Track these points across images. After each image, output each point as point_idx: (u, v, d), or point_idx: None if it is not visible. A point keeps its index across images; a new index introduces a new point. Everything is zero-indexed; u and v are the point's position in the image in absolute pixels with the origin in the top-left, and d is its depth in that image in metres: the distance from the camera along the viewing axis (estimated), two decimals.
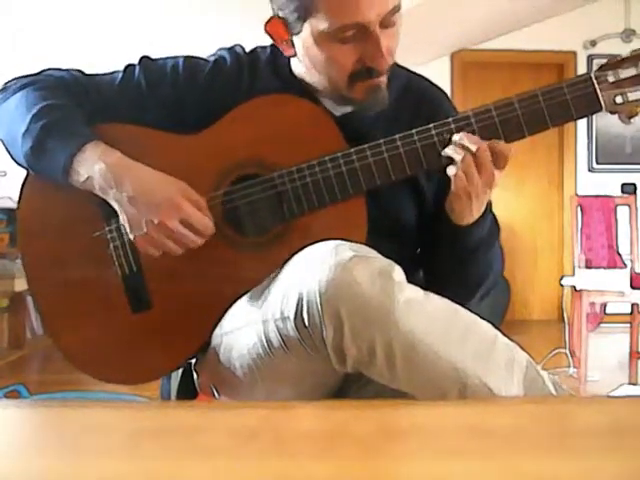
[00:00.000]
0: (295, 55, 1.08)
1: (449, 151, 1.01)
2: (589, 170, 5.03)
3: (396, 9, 1.01)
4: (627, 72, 1.01)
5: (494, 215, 1.11)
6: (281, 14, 1.04)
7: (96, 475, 0.37)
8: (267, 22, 1.07)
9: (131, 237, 1.03)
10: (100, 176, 1.02)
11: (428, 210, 1.14)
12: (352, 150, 1.03)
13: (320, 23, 1.00)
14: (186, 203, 1.00)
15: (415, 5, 3.44)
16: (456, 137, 1.00)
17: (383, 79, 1.05)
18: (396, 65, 1.14)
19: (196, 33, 3.62)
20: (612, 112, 1.02)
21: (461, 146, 1.00)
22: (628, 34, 4.86)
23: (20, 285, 3.57)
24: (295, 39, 1.06)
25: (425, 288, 0.91)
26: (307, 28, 1.02)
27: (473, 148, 0.98)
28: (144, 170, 1.03)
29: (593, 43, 4.90)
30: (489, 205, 1.07)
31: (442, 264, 1.12)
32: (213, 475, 0.37)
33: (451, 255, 1.09)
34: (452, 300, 1.14)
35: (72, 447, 0.42)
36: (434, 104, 1.15)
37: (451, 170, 1.00)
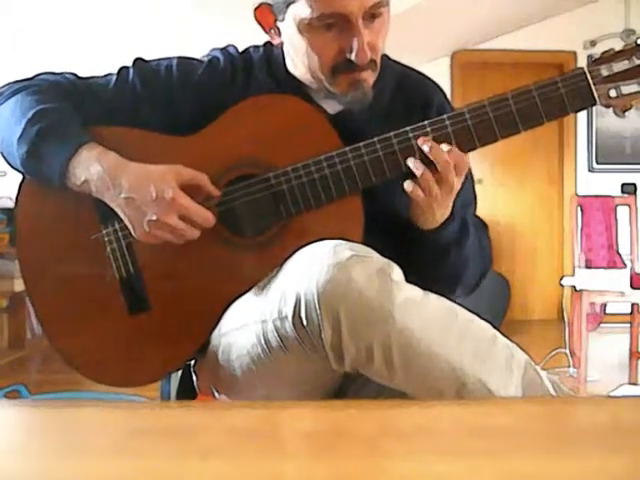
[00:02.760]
0: (282, 44, 1.09)
1: (410, 163, 1.01)
2: (589, 170, 5.03)
3: (382, 3, 1.01)
4: (620, 66, 1.01)
5: (476, 216, 1.12)
6: (268, 0, 1.05)
7: (96, 475, 0.37)
8: (255, 8, 1.08)
9: (136, 237, 1.03)
10: (97, 178, 1.02)
11: None
12: (347, 149, 1.03)
13: (301, 10, 1.00)
14: (183, 197, 1.00)
15: (415, 5, 3.44)
16: (425, 147, 1.00)
17: (366, 75, 1.04)
18: (389, 60, 1.15)
19: (194, 34, 3.63)
20: (606, 106, 1.03)
21: (421, 162, 0.99)
22: (628, 34, 4.86)
23: (20, 285, 3.56)
24: (281, 26, 1.06)
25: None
26: (290, 15, 1.03)
27: (438, 166, 0.99)
28: (139, 168, 1.03)
29: (593, 43, 4.90)
30: (457, 207, 1.06)
31: (415, 263, 1.12)
32: (213, 475, 0.37)
33: (421, 256, 1.09)
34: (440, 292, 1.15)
35: (72, 447, 0.42)
36: (428, 98, 1.15)
37: (408, 186, 1.00)
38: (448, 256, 1.09)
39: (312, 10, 0.99)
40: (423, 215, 1.04)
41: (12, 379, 2.95)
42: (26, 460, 0.40)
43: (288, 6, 1.02)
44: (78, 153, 1.03)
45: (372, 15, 1.01)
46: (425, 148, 1.00)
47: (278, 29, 1.08)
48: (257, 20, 1.09)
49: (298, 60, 1.08)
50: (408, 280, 1.08)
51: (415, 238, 1.07)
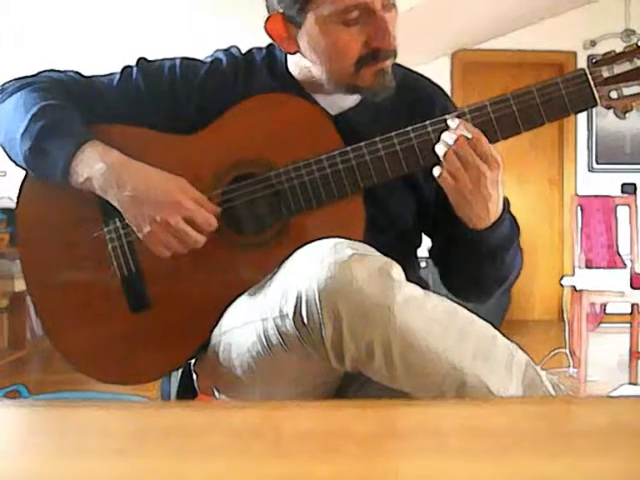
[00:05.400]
0: (297, 52, 1.08)
1: (437, 147, 1.01)
2: (589, 170, 5.03)
3: None
4: (621, 67, 1.01)
5: (513, 216, 1.10)
6: (280, 9, 1.04)
7: (96, 475, 0.37)
8: (266, 20, 1.07)
9: (140, 236, 1.03)
10: (100, 176, 1.02)
11: (428, 207, 1.14)
12: (349, 148, 1.04)
13: (323, 8, 1.00)
14: (187, 200, 1.01)
15: (415, 5, 3.44)
16: (452, 122, 1.00)
17: (388, 63, 1.05)
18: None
19: (196, 35, 3.63)
20: (607, 107, 1.03)
21: (444, 141, 0.99)
22: (628, 34, 4.86)
23: (20, 285, 3.57)
24: (298, 33, 1.05)
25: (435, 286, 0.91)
26: (310, 17, 1.02)
27: (450, 141, 0.98)
28: (144, 168, 1.03)
29: (593, 43, 4.90)
30: (506, 207, 1.06)
31: (460, 266, 1.12)
32: (213, 475, 0.37)
33: (468, 259, 1.08)
34: (469, 299, 1.15)
35: (72, 447, 0.42)
36: (430, 101, 1.15)
37: (436, 172, 1.00)
38: (495, 259, 1.08)
39: (335, 5, 0.99)
40: (462, 209, 1.02)
41: (12, 379, 2.95)
42: (26, 460, 0.40)
43: (307, 11, 1.02)
44: (81, 150, 1.03)
45: (388, 5, 1.02)
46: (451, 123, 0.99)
47: (293, 38, 1.06)
48: (268, 32, 1.07)
49: (319, 62, 1.06)
50: (450, 284, 1.12)
51: (461, 239, 1.06)
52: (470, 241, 1.05)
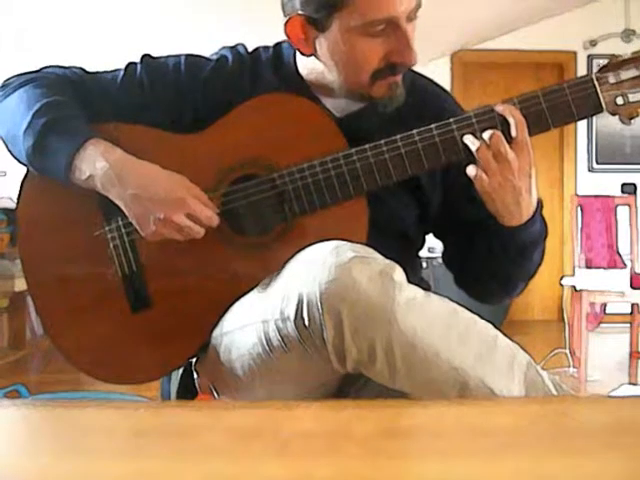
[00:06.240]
0: (313, 54, 1.07)
1: (468, 141, 1.00)
2: (589, 170, 5.03)
3: (419, 4, 1.02)
4: (628, 73, 1.01)
5: (543, 218, 1.10)
6: (302, 12, 1.02)
7: (96, 475, 0.37)
8: (286, 22, 1.05)
9: (143, 234, 1.03)
10: (103, 174, 1.02)
11: (431, 210, 1.14)
12: (353, 150, 1.03)
13: (350, 18, 0.99)
14: (190, 197, 1.01)
15: None
16: (499, 107, 1.00)
17: (400, 76, 1.05)
18: None
19: (200, 33, 3.63)
20: (613, 113, 1.02)
21: (480, 133, 0.99)
22: (628, 34, 4.86)
23: (20, 285, 3.57)
24: (318, 37, 1.04)
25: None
26: (336, 24, 1.01)
27: (486, 136, 0.97)
28: (146, 166, 1.03)
29: (593, 43, 4.90)
30: (539, 208, 1.06)
31: (484, 267, 1.11)
32: (213, 475, 0.37)
33: (497, 257, 1.07)
34: (491, 300, 1.15)
35: (72, 447, 0.42)
36: (438, 104, 1.15)
37: (471, 170, 0.99)
38: (525, 256, 1.08)
39: (363, 17, 0.98)
40: (494, 204, 1.01)
41: (12, 379, 2.95)
42: (26, 460, 0.40)
43: (334, 18, 1.00)
44: (84, 148, 1.03)
45: (411, 18, 1.02)
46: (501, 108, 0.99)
47: (311, 40, 1.05)
48: (287, 33, 1.06)
49: (335, 68, 1.06)
50: (470, 286, 1.15)
51: (495, 235, 1.06)
52: (502, 239, 1.05)
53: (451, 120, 1.02)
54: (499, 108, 1.00)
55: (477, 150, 0.98)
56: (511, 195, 0.99)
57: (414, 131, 1.02)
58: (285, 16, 1.05)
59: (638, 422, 0.47)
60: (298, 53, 1.11)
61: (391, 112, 1.09)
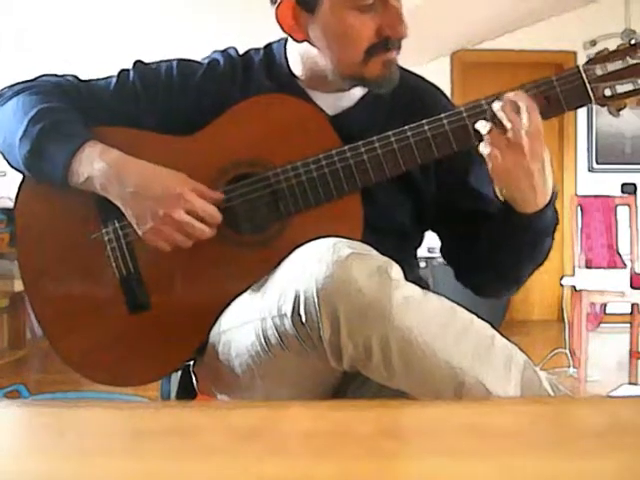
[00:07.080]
0: (306, 40, 1.07)
1: (479, 126, 0.99)
2: (589, 170, 5.03)
3: None
4: (615, 65, 1.02)
5: (555, 209, 1.09)
6: None
7: (96, 475, 0.37)
8: (277, 7, 1.05)
9: (140, 233, 1.03)
10: (101, 174, 1.02)
11: (426, 205, 1.14)
12: (346, 147, 1.04)
13: None
14: (189, 192, 1.01)
15: (415, 5, 3.44)
16: (510, 94, 0.99)
17: (395, 54, 1.05)
18: None
19: (200, 33, 3.63)
20: (601, 105, 1.03)
21: (493, 117, 0.97)
22: (628, 34, 4.85)
23: (20, 285, 3.56)
24: (309, 20, 1.04)
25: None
26: (325, 2, 1.02)
27: (507, 124, 0.96)
28: (144, 165, 1.03)
29: (593, 43, 4.90)
30: (553, 198, 1.04)
31: (490, 258, 1.10)
32: (213, 475, 0.37)
33: (505, 247, 1.07)
34: (495, 293, 1.17)
35: (72, 447, 0.42)
36: (429, 102, 1.15)
37: (483, 148, 0.98)
38: (536, 245, 1.07)
39: None
40: (510, 189, 1.00)
41: (12, 379, 2.96)
42: (26, 460, 0.40)
43: None
44: (81, 150, 1.03)
45: None
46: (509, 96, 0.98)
47: (303, 25, 1.05)
48: (277, 18, 1.06)
49: (328, 49, 1.06)
50: (473, 280, 1.16)
51: (508, 224, 1.04)
52: (512, 227, 1.04)
53: (442, 115, 1.02)
54: (509, 95, 0.99)
55: (489, 132, 0.97)
56: (525, 178, 0.98)
57: (406, 127, 1.03)
58: (274, 2, 1.05)
59: (638, 422, 0.47)
60: (289, 47, 1.12)
61: (382, 108, 1.09)
